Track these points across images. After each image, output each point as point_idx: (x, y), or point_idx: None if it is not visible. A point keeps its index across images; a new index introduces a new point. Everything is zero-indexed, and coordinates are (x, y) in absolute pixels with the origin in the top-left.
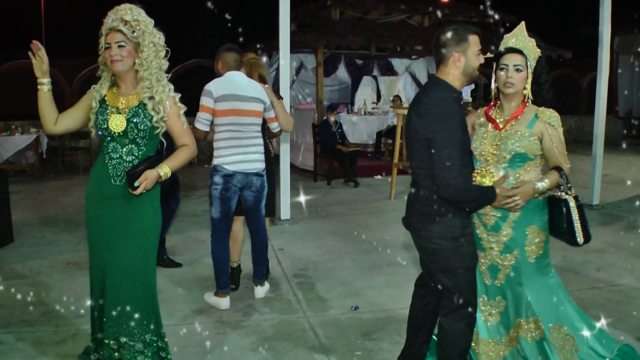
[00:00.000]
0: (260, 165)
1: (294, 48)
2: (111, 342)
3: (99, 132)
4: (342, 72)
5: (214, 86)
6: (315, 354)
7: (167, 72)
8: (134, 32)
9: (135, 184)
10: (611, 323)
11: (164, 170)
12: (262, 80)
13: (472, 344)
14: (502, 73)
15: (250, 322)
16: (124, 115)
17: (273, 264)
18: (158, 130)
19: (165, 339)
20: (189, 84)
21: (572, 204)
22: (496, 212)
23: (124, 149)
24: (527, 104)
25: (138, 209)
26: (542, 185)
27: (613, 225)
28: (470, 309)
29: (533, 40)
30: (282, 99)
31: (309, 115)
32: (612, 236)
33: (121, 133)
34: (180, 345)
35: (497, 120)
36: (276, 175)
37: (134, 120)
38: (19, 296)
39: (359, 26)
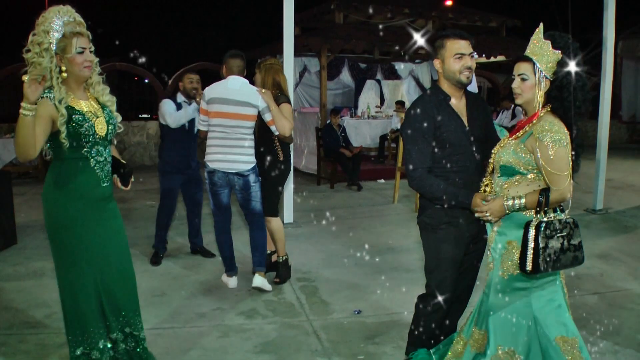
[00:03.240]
0: (241, 167)
1: (298, 52)
2: (118, 335)
3: (82, 140)
4: (345, 76)
5: (207, 90)
6: (317, 357)
7: (169, 75)
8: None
9: (132, 179)
10: (615, 328)
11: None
12: (276, 85)
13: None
14: (511, 83)
15: (253, 326)
16: (103, 118)
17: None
18: (120, 130)
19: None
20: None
21: (532, 227)
22: None
23: (106, 151)
24: (541, 114)
25: (117, 208)
26: (513, 203)
27: (617, 230)
28: (435, 299)
29: (548, 41)
30: (289, 103)
31: (313, 119)
32: (616, 241)
33: (104, 136)
34: (182, 349)
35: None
36: (279, 178)
37: (113, 122)
38: (22, 298)
39: (362, 30)
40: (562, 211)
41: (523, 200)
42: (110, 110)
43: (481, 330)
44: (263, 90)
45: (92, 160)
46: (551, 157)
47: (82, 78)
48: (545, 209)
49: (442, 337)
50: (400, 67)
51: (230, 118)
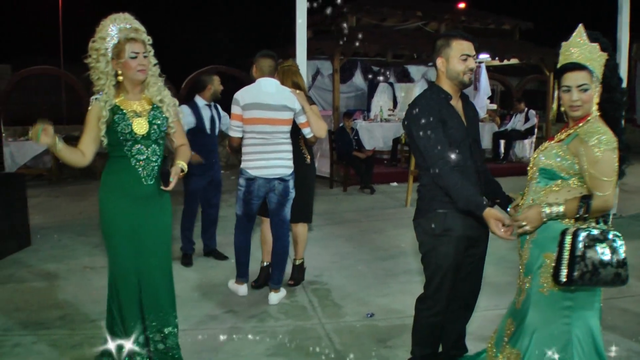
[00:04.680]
0: (283, 171)
1: (311, 55)
2: (156, 335)
3: (120, 138)
4: (358, 79)
5: (240, 95)
6: None
7: (182, 79)
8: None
9: (171, 179)
10: (629, 334)
11: (184, 165)
12: (296, 87)
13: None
14: (565, 95)
15: (265, 328)
16: (145, 118)
17: (288, 270)
18: (173, 130)
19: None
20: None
21: (568, 235)
22: None
23: (149, 150)
24: (589, 118)
25: (165, 206)
26: (551, 210)
27: (631, 235)
28: (434, 304)
29: (596, 45)
30: (315, 104)
31: (325, 122)
32: (629, 246)
33: (145, 135)
34: (194, 351)
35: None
36: (311, 182)
37: (157, 122)
38: (36, 299)
39: (375, 33)
40: (606, 223)
41: (562, 208)
42: (162, 110)
43: (514, 349)
44: (297, 92)
45: (132, 159)
46: (597, 159)
47: (137, 81)
48: (585, 216)
49: (446, 341)
50: (413, 70)
51: (269, 124)
